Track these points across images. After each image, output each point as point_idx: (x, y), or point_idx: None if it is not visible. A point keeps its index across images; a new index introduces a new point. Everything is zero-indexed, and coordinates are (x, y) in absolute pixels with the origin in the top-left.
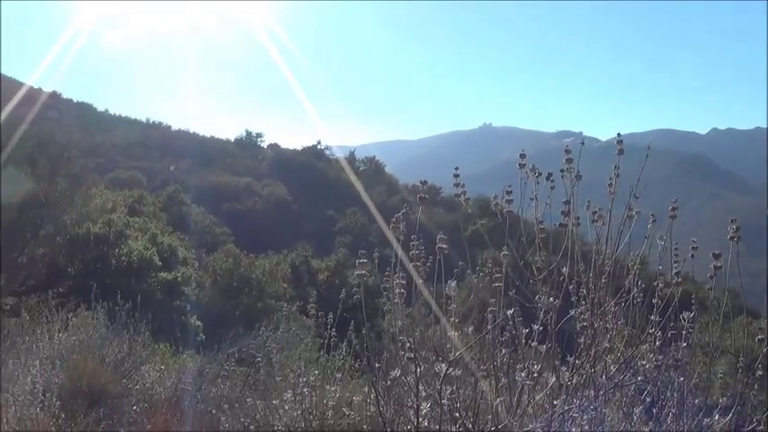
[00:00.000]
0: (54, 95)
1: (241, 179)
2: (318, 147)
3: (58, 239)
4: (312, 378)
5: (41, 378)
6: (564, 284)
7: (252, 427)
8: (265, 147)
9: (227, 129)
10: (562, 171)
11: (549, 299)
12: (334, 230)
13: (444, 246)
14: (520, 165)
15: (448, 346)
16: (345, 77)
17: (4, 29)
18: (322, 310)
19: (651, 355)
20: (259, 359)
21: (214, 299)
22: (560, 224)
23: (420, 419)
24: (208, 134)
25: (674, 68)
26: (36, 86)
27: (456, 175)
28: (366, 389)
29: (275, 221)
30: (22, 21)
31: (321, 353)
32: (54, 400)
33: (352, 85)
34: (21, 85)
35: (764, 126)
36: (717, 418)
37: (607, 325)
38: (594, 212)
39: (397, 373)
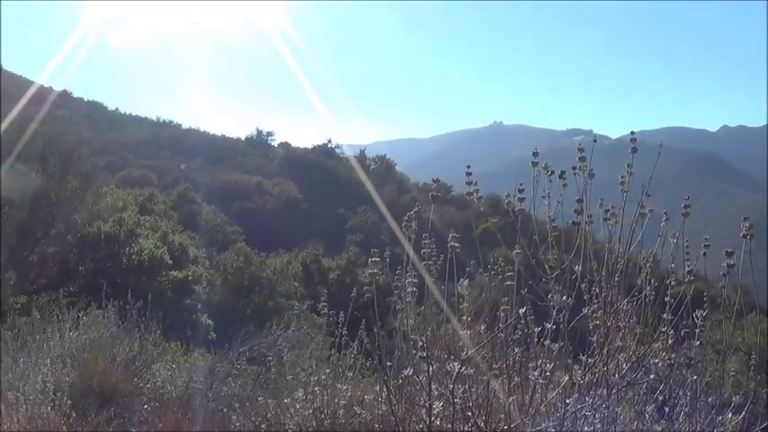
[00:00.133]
0: (64, 94)
1: (252, 178)
2: (329, 145)
3: (68, 238)
4: (323, 377)
5: (52, 377)
6: (576, 283)
7: (263, 426)
8: (276, 145)
9: (237, 127)
10: (574, 169)
11: (562, 297)
12: (344, 229)
13: (456, 244)
14: (533, 163)
15: (459, 344)
16: (356, 76)
17: (16, 27)
18: (333, 309)
19: (664, 354)
20: (270, 358)
21: (225, 297)
22: (573, 222)
23: (432, 418)
24: (218, 133)
25: (684, 66)
26: (47, 85)
27: (468, 173)
28: (377, 387)
29: (286, 220)
30: (32, 19)
31: (332, 351)
32: (65, 398)
33: (362, 83)
34: (31, 83)
35: None
36: (730, 416)
37: (619, 323)
38: (607, 210)
39: (409, 371)
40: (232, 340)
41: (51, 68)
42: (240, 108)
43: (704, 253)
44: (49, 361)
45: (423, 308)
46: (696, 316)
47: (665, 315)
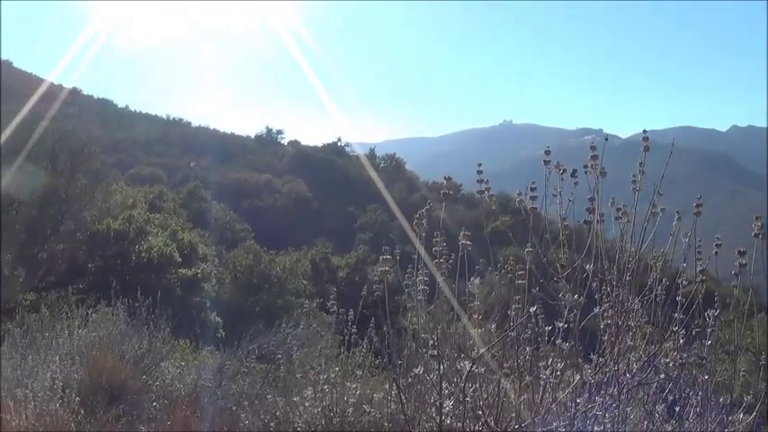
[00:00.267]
0: (74, 92)
1: (261, 176)
2: (339, 143)
3: (78, 235)
4: (332, 375)
5: (61, 374)
6: (588, 282)
7: (272, 424)
8: (286, 143)
9: (247, 125)
10: (586, 167)
11: (573, 296)
12: (354, 227)
13: (468, 242)
14: (544, 161)
15: (469, 343)
16: (366, 75)
17: (27, 26)
18: (342, 307)
19: (675, 353)
20: (279, 356)
21: (234, 295)
22: (585, 221)
23: (443, 417)
24: (228, 130)
25: (694, 66)
26: (57, 83)
27: (479, 171)
28: (387, 386)
29: (295, 218)
30: (44, 17)
31: (341, 350)
32: (73, 396)
33: (373, 82)
34: (42, 81)
35: None
36: (741, 416)
37: (630, 323)
38: (619, 209)
39: (420, 369)
40: (241, 338)
41: (62, 66)
42: (250, 106)
43: (716, 252)
44: (57, 358)
45: (433, 306)
46: (708, 315)
47: (676, 314)
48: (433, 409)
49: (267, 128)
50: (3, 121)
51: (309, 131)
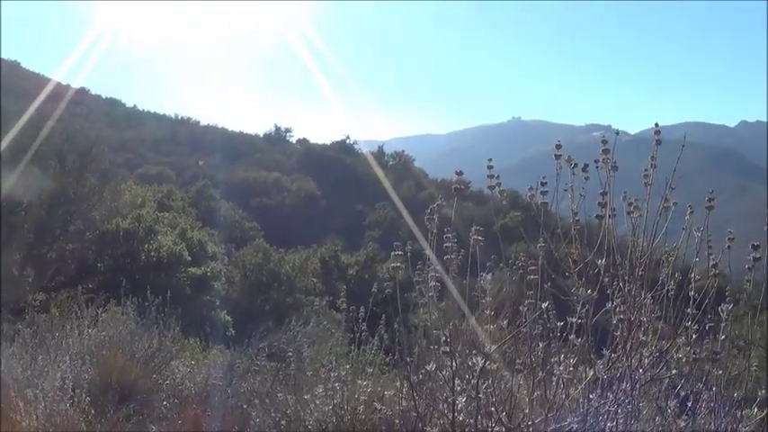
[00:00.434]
0: (82, 92)
1: (270, 174)
2: (347, 141)
3: (87, 235)
4: (343, 373)
5: (71, 374)
6: (600, 277)
7: (282, 423)
8: (294, 142)
9: (255, 124)
10: (596, 162)
11: (586, 291)
12: (363, 225)
13: (480, 237)
14: (555, 156)
15: (480, 339)
16: (375, 72)
17: (33, 26)
18: (352, 305)
19: (688, 348)
20: (290, 354)
21: (243, 294)
22: (597, 216)
23: (455, 414)
24: (236, 129)
25: (703, 62)
26: (64, 83)
27: (490, 167)
28: (398, 383)
29: (304, 216)
30: (52, 17)
31: (352, 347)
32: (84, 395)
33: (381, 80)
34: (48, 80)
35: None
36: (755, 411)
37: (642, 318)
38: (630, 204)
39: (432, 366)
40: (251, 336)
41: (69, 66)
42: (258, 104)
43: (728, 246)
44: (67, 358)
45: (444, 303)
46: (721, 310)
47: (688, 310)
48: (446, 406)
49: (276, 126)
50: (11, 121)
51: (318, 130)
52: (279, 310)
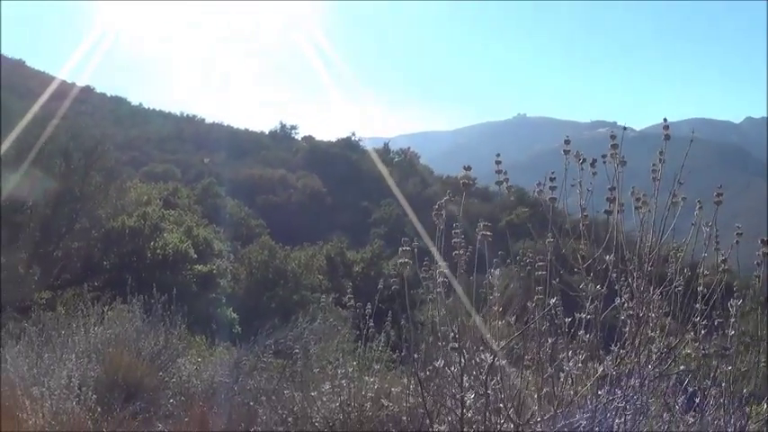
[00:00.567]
0: (87, 90)
1: (275, 171)
2: (353, 138)
3: (93, 233)
4: (350, 369)
5: (77, 372)
6: (608, 273)
7: (289, 420)
8: (300, 139)
9: (261, 121)
10: (604, 157)
11: (595, 287)
12: (369, 222)
13: (488, 233)
14: (564, 151)
15: (488, 335)
16: (381, 69)
17: (37, 23)
18: (358, 302)
19: (697, 344)
20: (297, 351)
21: (249, 291)
22: (606, 211)
23: (464, 411)
24: (242, 127)
25: (708, 57)
26: (69, 81)
27: (498, 162)
28: (405, 380)
29: (310, 213)
30: (57, 15)
31: (358, 344)
32: (90, 393)
33: (386, 77)
34: (53, 79)
35: None
36: (766, 407)
37: (651, 314)
38: (638, 199)
39: (440, 363)
40: (257, 334)
41: (74, 64)
42: (264, 102)
43: (737, 242)
44: (74, 356)
45: (451, 299)
46: (730, 305)
47: (697, 305)
48: (454, 403)
49: (281, 123)
50: (16, 119)
51: (323, 127)
52: (285, 308)
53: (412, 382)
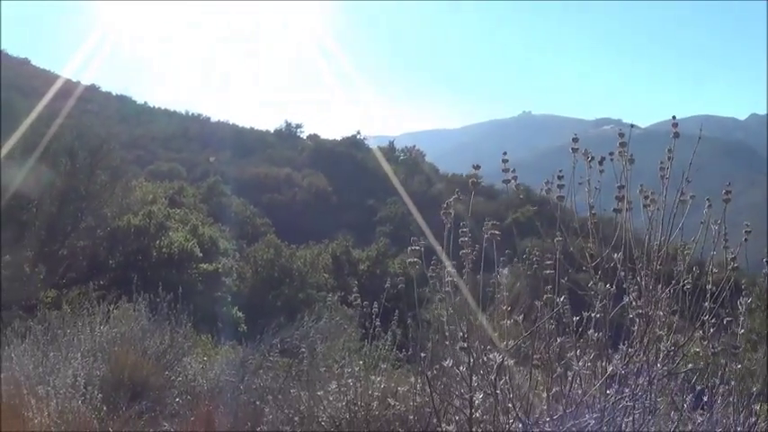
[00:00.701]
0: (93, 89)
1: (281, 170)
2: (358, 137)
3: (98, 232)
4: (357, 368)
5: (83, 371)
6: (617, 271)
7: (296, 419)
8: (305, 137)
9: (266, 120)
10: (611, 155)
11: (605, 285)
12: (374, 220)
13: (497, 232)
14: (573, 149)
15: (496, 335)
16: (386, 69)
17: (43, 22)
18: (363, 300)
19: (706, 343)
20: (303, 350)
21: (255, 290)
22: (614, 209)
23: (473, 410)
24: (247, 125)
25: (712, 54)
26: (75, 80)
27: (505, 161)
28: (412, 379)
29: (315, 212)
30: (59, 13)
31: (365, 343)
32: (96, 392)
33: (392, 75)
34: (57, 77)
35: None
36: None
37: (659, 312)
38: (646, 197)
39: (449, 363)
40: (263, 332)
41: (79, 63)
42: (269, 100)
43: (745, 239)
44: (79, 355)
45: (458, 298)
46: (740, 303)
47: (705, 303)
48: (463, 403)
49: (286, 122)
50: (21, 118)
51: (329, 125)
52: (290, 306)
53: (419, 381)
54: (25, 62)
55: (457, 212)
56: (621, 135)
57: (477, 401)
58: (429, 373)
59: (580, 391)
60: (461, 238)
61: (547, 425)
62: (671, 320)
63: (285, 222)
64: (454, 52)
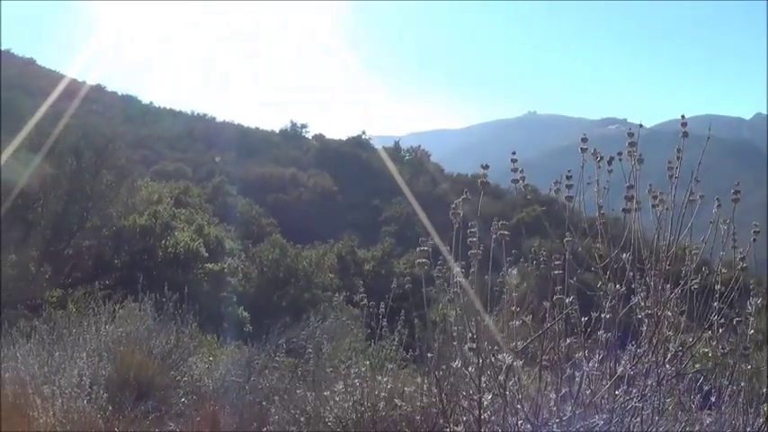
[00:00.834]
0: (98, 89)
1: (286, 170)
2: (363, 137)
3: (104, 231)
4: (363, 369)
5: (88, 370)
6: (626, 272)
7: (302, 419)
8: (310, 137)
9: (271, 120)
10: (620, 154)
11: (615, 286)
12: (379, 220)
13: (506, 232)
14: (582, 149)
15: (504, 335)
16: (391, 66)
17: (48, 21)
18: (369, 301)
19: (714, 343)
20: (310, 350)
21: (260, 290)
22: (623, 209)
23: (482, 411)
24: (252, 125)
25: (718, 53)
26: (80, 79)
27: (514, 160)
28: (418, 380)
29: (321, 212)
30: (67, 15)
31: (371, 343)
32: (101, 392)
33: (397, 74)
34: (63, 77)
35: None
36: None
37: (668, 312)
38: (655, 197)
39: (458, 363)
40: (269, 332)
41: (85, 63)
42: (273, 100)
43: (754, 239)
44: (85, 354)
45: (465, 298)
46: (750, 303)
47: (714, 303)
48: (471, 403)
49: (291, 122)
50: (27, 117)
51: (334, 125)
52: (296, 306)
53: (425, 381)
54: (31, 62)
55: (463, 212)
56: (631, 134)
57: (485, 402)
58: (437, 372)
59: (588, 392)
60: (470, 238)
61: (555, 426)
62: (679, 321)
63: (290, 222)
64: (459, 52)
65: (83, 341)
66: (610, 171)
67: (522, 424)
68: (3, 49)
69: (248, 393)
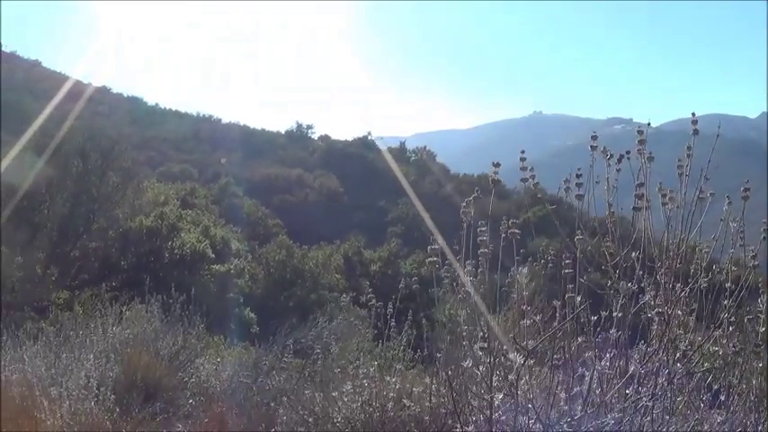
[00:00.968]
0: (104, 90)
1: (292, 171)
2: (369, 137)
3: (110, 233)
4: (371, 369)
5: (95, 372)
6: (636, 271)
7: (310, 420)
8: (316, 138)
9: (276, 121)
10: (628, 153)
11: (626, 284)
12: (385, 221)
13: (517, 231)
14: (591, 146)
15: (514, 334)
16: (397, 69)
17: (54, 23)
18: (376, 301)
19: (725, 341)
20: (318, 350)
21: (267, 291)
22: (634, 208)
23: (493, 411)
24: (258, 126)
25: (724, 52)
26: (86, 81)
27: (523, 159)
28: (426, 380)
29: (327, 213)
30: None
31: (379, 343)
32: (108, 394)
33: (403, 75)
34: (69, 79)
35: None
36: None
37: (678, 311)
38: (665, 195)
39: (468, 363)
40: (276, 333)
41: (90, 65)
42: (279, 101)
43: (763, 238)
44: (92, 356)
45: (476, 298)
46: (760, 302)
47: (725, 302)
48: (481, 403)
49: (297, 123)
50: (32, 119)
51: (340, 126)
52: (302, 307)
53: (434, 381)
54: (36, 64)
55: (471, 212)
56: (640, 132)
57: (496, 402)
58: (443, 372)
59: (599, 391)
60: (479, 238)
61: (566, 425)
62: (688, 319)
63: (297, 223)
64: (463, 53)
65: (90, 343)
66: (618, 170)
67: (533, 423)
68: (9, 51)
69: (256, 394)
